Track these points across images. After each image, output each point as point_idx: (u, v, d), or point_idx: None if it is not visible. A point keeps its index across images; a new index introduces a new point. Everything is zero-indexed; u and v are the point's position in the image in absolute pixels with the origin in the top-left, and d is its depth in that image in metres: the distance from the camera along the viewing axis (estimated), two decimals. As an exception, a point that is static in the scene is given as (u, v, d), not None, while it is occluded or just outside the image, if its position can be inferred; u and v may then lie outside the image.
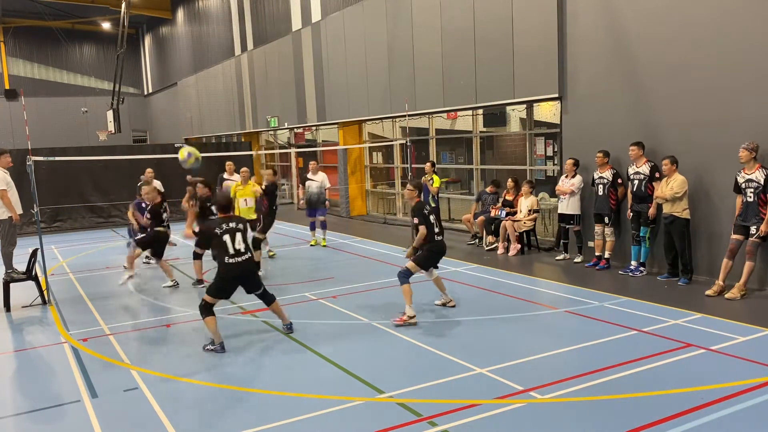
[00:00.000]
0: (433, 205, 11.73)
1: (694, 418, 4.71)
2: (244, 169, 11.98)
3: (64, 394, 5.82)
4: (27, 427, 5.26)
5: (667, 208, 8.77)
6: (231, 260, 6.78)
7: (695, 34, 8.72)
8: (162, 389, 5.82)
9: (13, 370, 6.70)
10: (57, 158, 13.65)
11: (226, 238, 6.78)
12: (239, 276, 6.90)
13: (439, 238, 7.70)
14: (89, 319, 8.32)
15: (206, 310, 6.81)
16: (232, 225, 6.85)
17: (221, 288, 6.89)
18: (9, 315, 8.79)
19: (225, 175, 13.32)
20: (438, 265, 7.97)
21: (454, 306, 8.03)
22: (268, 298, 7.21)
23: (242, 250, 6.83)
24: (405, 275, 7.51)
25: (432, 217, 7.61)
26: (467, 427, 4.75)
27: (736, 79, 8.29)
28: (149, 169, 13.19)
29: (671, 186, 8.64)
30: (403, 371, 6.01)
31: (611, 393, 5.27)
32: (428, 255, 7.65)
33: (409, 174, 12.64)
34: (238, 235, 6.82)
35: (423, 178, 12.55)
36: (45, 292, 9.28)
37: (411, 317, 7.33)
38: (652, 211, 9.10)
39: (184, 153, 8.83)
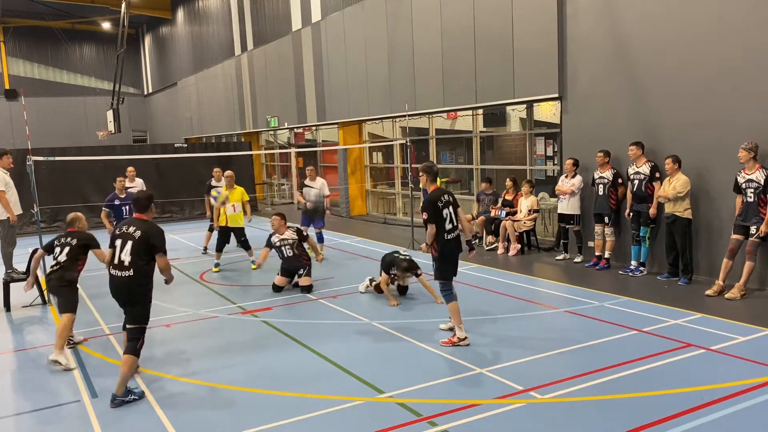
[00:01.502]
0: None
1: (694, 418, 4.71)
2: (228, 172, 11.30)
3: (64, 394, 5.83)
4: (27, 427, 5.27)
5: (669, 208, 8.77)
6: (111, 271, 5.62)
7: (695, 34, 8.72)
8: (162, 389, 5.82)
9: (13, 370, 6.70)
10: (57, 158, 13.65)
11: (118, 243, 5.58)
12: (114, 291, 5.64)
13: (450, 236, 6.62)
14: (89, 319, 8.32)
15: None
16: (130, 230, 5.58)
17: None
18: (9, 315, 8.81)
19: (213, 182, 12.81)
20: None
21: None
22: (130, 346, 5.57)
23: (126, 263, 5.49)
24: (446, 291, 6.70)
25: (446, 212, 6.60)
26: (467, 427, 4.75)
27: (736, 79, 8.29)
28: (130, 168, 12.94)
29: (674, 186, 8.64)
30: (403, 371, 6.01)
31: (611, 393, 5.28)
32: (442, 263, 6.69)
33: (409, 174, 12.60)
34: (129, 245, 5.50)
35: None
36: (45, 292, 9.28)
37: (462, 339, 6.57)
38: (652, 210, 9.11)
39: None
